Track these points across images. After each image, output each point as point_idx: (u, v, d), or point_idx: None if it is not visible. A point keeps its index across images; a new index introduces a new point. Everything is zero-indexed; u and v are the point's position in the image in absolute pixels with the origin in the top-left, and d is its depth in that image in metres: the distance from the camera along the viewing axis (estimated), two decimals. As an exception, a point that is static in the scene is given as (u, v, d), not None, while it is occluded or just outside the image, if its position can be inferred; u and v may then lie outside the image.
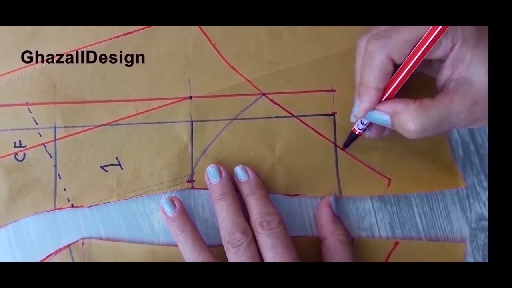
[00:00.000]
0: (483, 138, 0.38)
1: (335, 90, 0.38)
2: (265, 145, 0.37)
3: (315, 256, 0.37)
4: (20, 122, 0.37)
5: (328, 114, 0.38)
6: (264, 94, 0.38)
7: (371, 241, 0.37)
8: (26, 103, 0.37)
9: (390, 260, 0.37)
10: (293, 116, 0.38)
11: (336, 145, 0.37)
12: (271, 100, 0.38)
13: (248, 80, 0.38)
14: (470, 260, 0.38)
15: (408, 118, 0.30)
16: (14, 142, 0.37)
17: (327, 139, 0.38)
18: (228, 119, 0.37)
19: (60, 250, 0.36)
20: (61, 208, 0.37)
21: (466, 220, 0.38)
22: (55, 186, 0.37)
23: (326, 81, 0.38)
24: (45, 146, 0.37)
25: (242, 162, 0.37)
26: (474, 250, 0.38)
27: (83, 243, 0.36)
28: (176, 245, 0.36)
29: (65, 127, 0.37)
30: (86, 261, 0.36)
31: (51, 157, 0.37)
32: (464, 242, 0.38)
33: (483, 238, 0.38)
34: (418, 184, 0.38)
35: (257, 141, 0.37)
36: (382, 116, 0.31)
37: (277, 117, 0.38)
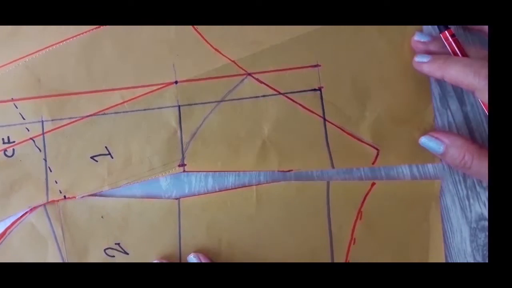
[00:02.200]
0: (483, 138, 0.38)
1: (320, 65, 0.38)
2: (255, 125, 0.37)
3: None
4: (7, 118, 0.37)
5: (314, 90, 0.38)
6: (249, 74, 0.38)
7: (347, 184, 0.37)
8: (12, 99, 0.37)
9: (367, 201, 0.37)
10: (280, 93, 0.38)
11: (324, 119, 0.38)
12: (257, 79, 0.38)
13: (233, 61, 0.38)
14: (470, 260, 0.37)
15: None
16: (3, 139, 0.37)
17: (315, 113, 0.38)
18: (215, 102, 0.37)
19: (35, 208, 0.36)
20: (53, 201, 0.36)
21: (466, 220, 0.38)
22: (47, 179, 0.36)
23: (311, 57, 0.38)
24: (34, 141, 0.37)
25: (232, 143, 0.37)
26: (474, 250, 0.38)
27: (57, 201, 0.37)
28: (151, 197, 0.36)
29: (52, 120, 0.37)
30: (62, 218, 0.36)
31: (40, 151, 0.37)
32: (439, 179, 0.38)
33: (483, 238, 0.38)
34: (404, 156, 0.38)
35: (246, 121, 0.37)
36: (438, 144, 0.35)
37: (264, 96, 0.38)
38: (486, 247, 0.37)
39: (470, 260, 0.37)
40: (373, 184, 0.37)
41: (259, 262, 0.36)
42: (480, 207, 0.38)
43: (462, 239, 0.38)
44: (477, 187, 0.38)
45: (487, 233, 0.37)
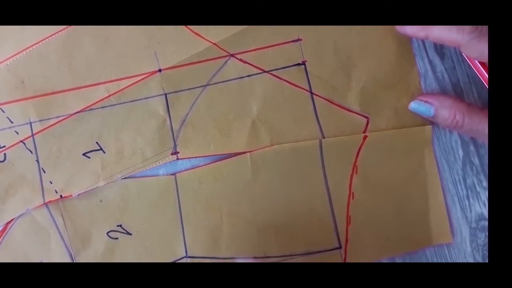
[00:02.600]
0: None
1: (301, 39, 0.38)
2: (243, 105, 0.37)
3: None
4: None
5: (298, 64, 0.38)
6: (232, 55, 0.38)
7: (339, 139, 0.38)
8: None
9: (361, 154, 0.37)
10: (264, 72, 0.38)
11: (311, 93, 0.38)
12: (240, 59, 0.38)
13: (214, 44, 0.37)
14: (470, 260, 0.38)
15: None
16: None
17: (302, 88, 0.38)
18: (201, 86, 0.37)
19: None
20: (50, 202, 0.36)
21: (466, 220, 0.38)
22: (41, 180, 0.36)
23: (291, 32, 0.38)
24: (24, 143, 0.36)
25: (222, 126, 0.37)
26: (474, 250, 0.38)
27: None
28: (148, 176, 0.37)
29: (40, 120, 0.37)
30: (61, 207, 0.37)
31: (32, 153, 0.36)
32: (430, 125, 0.38)
33: (483, 238, 0.38)
34: (394, 121, 0.38)
35: (234, 103, 0.37)
36: (427, 107, 0.35)
37: (249, 75, 0.38)
38: (486, 247, 0.38)
39: (470, 260, 0.38)
40: (365, 137, 0.37)
41: (262, 229, 0.37)
42: (480, 207, 0.38)
43: (462, 239, 0.38)
44: (477, 187, 0.38)
45: (487, 233, 0.38)
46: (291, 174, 0.37)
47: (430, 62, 0.38)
